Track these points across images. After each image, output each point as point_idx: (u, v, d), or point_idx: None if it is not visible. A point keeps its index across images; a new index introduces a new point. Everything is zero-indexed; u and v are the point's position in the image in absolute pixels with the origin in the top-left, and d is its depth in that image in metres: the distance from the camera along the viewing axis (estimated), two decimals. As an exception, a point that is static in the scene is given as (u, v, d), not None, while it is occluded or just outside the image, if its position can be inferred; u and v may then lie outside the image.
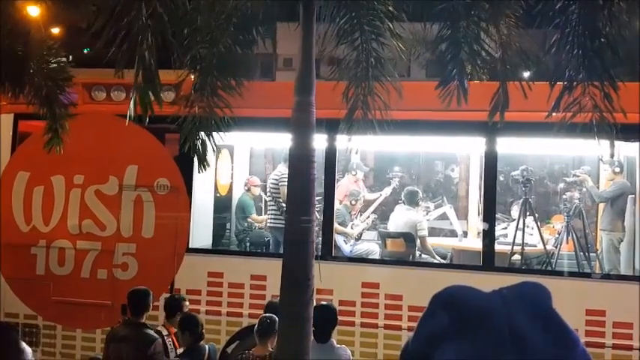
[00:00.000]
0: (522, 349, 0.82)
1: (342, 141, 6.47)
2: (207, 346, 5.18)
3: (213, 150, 4.98)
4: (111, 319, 6.40)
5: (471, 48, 4.80)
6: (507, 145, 6.73)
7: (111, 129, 6.77)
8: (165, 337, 5.22)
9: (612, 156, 6.58)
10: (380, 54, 5.02)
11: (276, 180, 7.74)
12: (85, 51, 10.31)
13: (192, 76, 4.95)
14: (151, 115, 3.81)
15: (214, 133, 4.79)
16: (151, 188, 6.72)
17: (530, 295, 0.90)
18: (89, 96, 6.87)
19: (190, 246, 6.75)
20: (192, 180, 6.78)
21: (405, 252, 7.24)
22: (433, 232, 8.16)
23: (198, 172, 5.03)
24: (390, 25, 5.03)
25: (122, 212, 6.75)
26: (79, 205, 6.82)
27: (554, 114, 4.74)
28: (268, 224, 7.87)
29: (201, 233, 7.21)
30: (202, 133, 4.69)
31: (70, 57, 5.46)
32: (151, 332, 4.95)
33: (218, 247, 7.75)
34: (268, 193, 7.89)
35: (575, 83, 4.67)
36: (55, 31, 7.65)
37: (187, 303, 5.74)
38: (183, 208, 6.73)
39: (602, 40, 4.62)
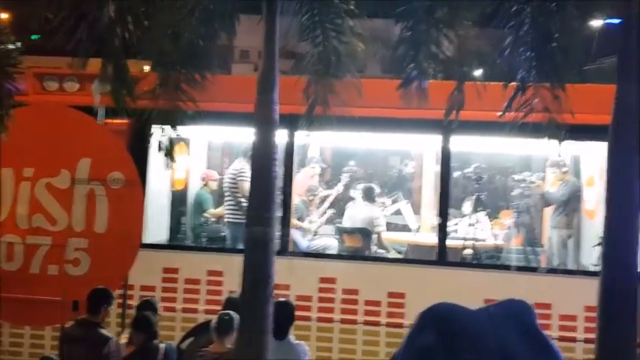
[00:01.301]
0: None
1: (301, 136, 6.50)
2: (163, 345, 5.12)
3: (182, 144, 4.94)
4: (61, 316, 6.26)
5: (429, 49, 4.90)
6: (460, 143, 6.89)
7: (63, 121, 6.59)
8: None
9: (561, 155, 6.84)
10: (340, 51, 5.07)
11: (235, 174, 7.69)
12: (33, 38, 9.95)
13: (148, 68, 4.89)
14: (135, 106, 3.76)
15: (179, 127, 4.75)
16: (104, 182, 6.57)
17: (516, 313, 0.94)
18: (41, 86, 6.67)
19: (145, 241, 6.65)
20: (147, 174, 6.67)
21: (361, 247, 7.33)
22: (389, 227, 8.28)
23: (166, 168, 4.98)
24: (351, 23, 5.08)
25: (74, 206, 6.58)
26: (28, 199, 6.61)
27: (506, 114, 4.90)
28: (225, 219, 7.82)
29: (156, 228, 7.11)
30: (168, 128, 4.64)
31: (19, 44, 5.24)
32: (105, 332, 4.87)
33: (174, 243, 7.67)
34: (226, 188, 7.84)
35: (527, 85, 4.84)
36: (4, 16, 7.36)
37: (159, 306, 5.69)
38: (138, 202, 6.60)
39: (554, 43, 4.79)
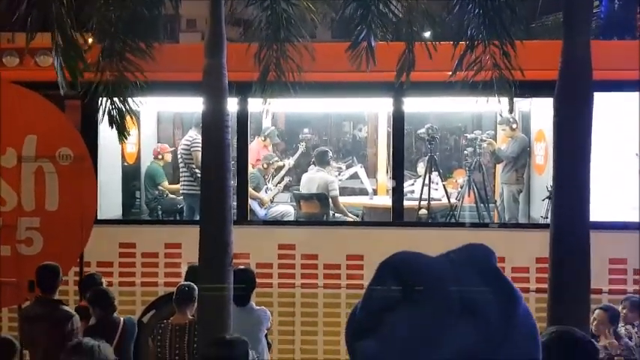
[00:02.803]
0: (472, 310, 0.85)
1: (254, 104, 6.43)
2: (121, 318, 5.06)
3: (132, 116, 4.79)
4: (16, 297, 6.12)
5: (379, 9, 4.87)
6: (413, 104, 6.93)
7: (5, 97, 6.33)
8: None
9: (511, 111, 6.97)
10: (289, 14, 4.99)
11: (188, 145, 7.57)
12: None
13: (90, 40, 4.72)
14: (81, 80, 3.62)
15: (129, 99, 4.60)
16: (52, 159, 6.37)
17: (477, 258, 0.93)
18: (-22, 62, 6.37)
19: (99, 217, 6.52)
20: (97, 149, 6.52)
21: (318, 212, 7.36)
22: (345, 191, 8.33)
23: (119, 142, 4.83)
24: (299, -16, 5.00)
25: (23, 185, 6.38)
26: (-26, 180, 6.37)
27: (457, 73, 4.94)
28: (181, 191, 7.72)
29: (109, 203, 6.97)
30: (117, 101, 4.49)
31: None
32: (67, 309, 4.77)
33: (128, 217, 7.55)
34: (180, 159, 7.71)
35: (476, 42, 4.88)
36: None
37: (104, 281, 5.59)
38: (89, 178, 6.43)
39: (501, -1, 4.83)
